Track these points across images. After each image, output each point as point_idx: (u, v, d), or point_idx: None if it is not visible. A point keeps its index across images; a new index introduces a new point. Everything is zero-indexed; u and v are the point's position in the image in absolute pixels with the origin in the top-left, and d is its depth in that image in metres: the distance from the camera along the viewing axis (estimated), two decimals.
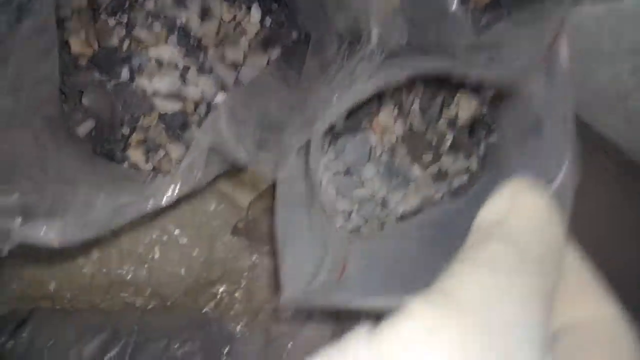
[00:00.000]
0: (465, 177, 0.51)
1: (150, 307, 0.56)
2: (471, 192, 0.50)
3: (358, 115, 0.48)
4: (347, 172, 0.49)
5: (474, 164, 0.50)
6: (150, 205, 0.32)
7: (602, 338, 0.19)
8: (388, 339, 0.16)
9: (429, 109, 0.48)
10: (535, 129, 0.40)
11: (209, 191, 0.57)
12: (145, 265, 0.56)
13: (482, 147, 0.50)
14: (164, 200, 0.32)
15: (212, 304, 0.58)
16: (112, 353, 0.52)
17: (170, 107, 0.44)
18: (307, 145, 0.40)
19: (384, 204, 0.50)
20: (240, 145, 0.32)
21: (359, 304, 0.36)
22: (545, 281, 0.18)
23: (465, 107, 0.48)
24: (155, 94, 0.44)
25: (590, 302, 0.20)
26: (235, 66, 0.44)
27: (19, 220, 0.31)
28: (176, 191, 0.32)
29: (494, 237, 0.18)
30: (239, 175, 0.58)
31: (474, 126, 0.49)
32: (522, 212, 0.19)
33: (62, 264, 0.55)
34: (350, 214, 0.50)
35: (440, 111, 0.48)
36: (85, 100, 0.44)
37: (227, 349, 0.55)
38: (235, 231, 0.58)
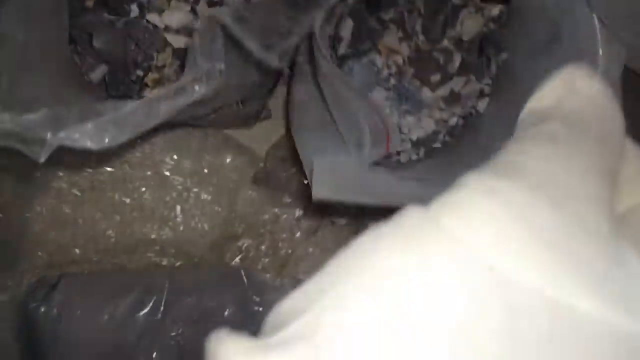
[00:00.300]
0: (479, 101, 0.51)
1: (177, 264, 0.56)
2: (487, 116, 0.50)
3: (362, 39, 0.48)
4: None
5: (486, 85, 0.51)
6: (182, 100, 0.32)
7: None
8: (443, 209, 0.15)
9: (432, 29, 0.48)
10: (553, 37, 0.40)
11: (222, 145, 0.57)
12: (169, 224, 0.56)
13: (492, 66, 0.50)
14: (194, 95, 0.32)
15: (238, 259, 0.58)
16: (146, 310, 0.51)
17: (183, 41, 0.44)
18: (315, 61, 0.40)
19: (398, 129, 0.50)
20: (247, 37, 0.32)
21: (393, 193, 0.36)
22: (607, 161, 0.17)
23: (469, 25, 0.48)
24: (167, 29, 0.44)
25: None
26: None
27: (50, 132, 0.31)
28: (203, 84, 0.32)
29: (551, 118, 0.17)
30: (253, 126, 0.58)
31: (483, 45, 0.50)
32: (577, 95, 0.18)
33: (85, 229, 0.54)
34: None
35: (443, 30, 0.48)
36: (96, 43, 0.44)
37: (258, 298, 0.55)
38: (255, 181, 0.57)
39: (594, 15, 0.35)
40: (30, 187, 0.53)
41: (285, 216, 0.59)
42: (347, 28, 0.49)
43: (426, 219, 0.15)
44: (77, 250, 0.54)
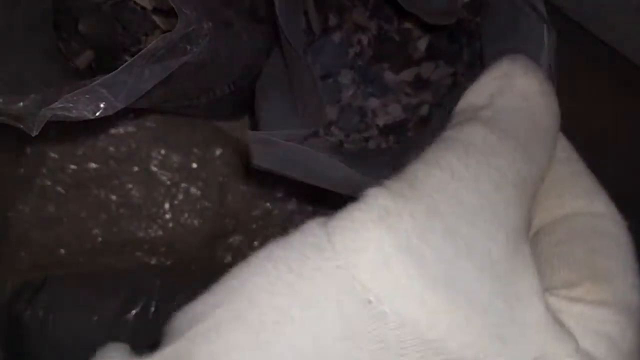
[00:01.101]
0: (452, 90, 0.50)
1: (168, 263, 0.54)
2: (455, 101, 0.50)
3: (330, 17, 0.47)
4: (327, 76, 0.48)
5: (460, 72, 0.50)
6: (173, 61, 0.30)
7: (592, 232, 0.17)
8: (336, 230, 0.14)
9: (384, 8, 0.48)
10: (513, 23, 0.39)
11: (212, 138, 0.56)
12: (158, 221, 0.54)
13: (465, 53, 0.50)
14: (186, 55, 0.30)
15: (229, 256, 0.56)
16: (136, 310, 0.49)
17: (173, 23, 0.43)
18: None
19: (361, 113, 0.49)
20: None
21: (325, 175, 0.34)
22: (528, 168, 0.16)
23: None
24: (155, 11, 0.43)
25: (582, 197, 0.17)
26: None
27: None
28: (193, 42, 0.31)
29: (475, 119, 0.16)
30: (243, 118, 0.56)
31: (454, 31, 0.49)
32: (511, 92, 0.17)
33: (70, 228, 0.52)
34: (330, 126, 0.49)
35: (397, 10, 0.48)
36: (81, 27, 0.42)
37: None
38: (246, 175, 0.56)
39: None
40: (11, 184, 0.50)
41: (277, 211, 0.57)
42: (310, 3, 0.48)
43: (319, 243, 0.14)
44: (62, 251, 0.51)
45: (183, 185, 0.55)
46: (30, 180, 0.51)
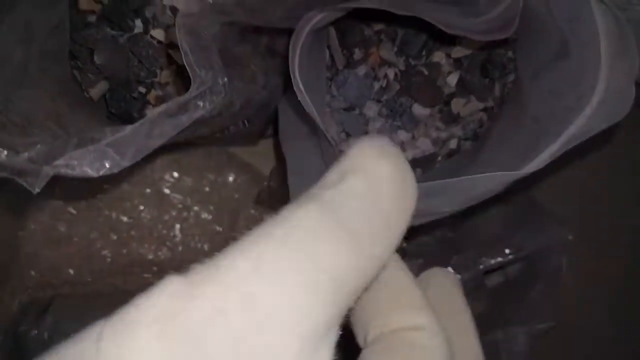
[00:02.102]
0: (483, 124, 0.49)
1: None
2: (488, 138, 0.48)
3: (356, 51, 0.46)
4: (350, 108, 0.47)
5: (490, 108, 0.49)
6: (184, 118, 0.30)
7: (409, 346, 0.17)
8: (111, 331, 0.13)
9: (412, 45, 0.46)
10: (561, 53, 0.38)
11: (225, 163, 0.55)
12: (167, 243, 0.54)
13: (497, 87, 0.48)
14: (197, 112, 0.30)
15: None
16: None
17: None
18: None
19: None
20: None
21: None
22: (356, 262, 0.15)
23: (462, 45, 0.47)
24: (171, 45, 0.42)
25: (407, 312, 0.17)
26: None
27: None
28: (207, 100, 0.30)
29: (314, 200, 0.15)
30: (257, 145, 0.56)
31: (486, 66, 0.48)
32: (360, 175, 0.16)
33: (80, 248, 0.52)
34: None
35: (422, 47, 0.46)
36: (97, 59, 0.42)
37: None
38: (258, 201, 0.55)
39: (598, 19, 0.32)
40: (23, 203, 0.50)
41: None
42: (333, 38, 0.47)
43: (87, 352, 0.13)
44: (70, 271, 0.52)
45: (195, 208, 0.55)
46: (42, 199, 0.51)
